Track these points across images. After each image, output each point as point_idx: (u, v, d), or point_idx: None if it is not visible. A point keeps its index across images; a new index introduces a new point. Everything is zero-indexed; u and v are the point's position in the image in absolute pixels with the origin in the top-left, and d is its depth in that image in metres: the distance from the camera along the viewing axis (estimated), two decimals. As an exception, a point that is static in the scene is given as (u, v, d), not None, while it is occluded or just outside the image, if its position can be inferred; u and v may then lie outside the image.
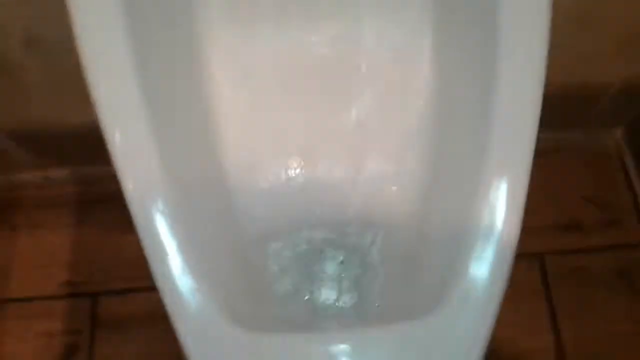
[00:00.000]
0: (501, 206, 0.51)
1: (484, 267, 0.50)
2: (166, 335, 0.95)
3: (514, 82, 0.53)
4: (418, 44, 0.64)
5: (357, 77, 0.66)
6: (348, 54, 0.65)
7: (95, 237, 1.06)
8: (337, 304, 0.63)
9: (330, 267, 0.64)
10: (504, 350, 0.94)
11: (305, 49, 0.65)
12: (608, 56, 0.83)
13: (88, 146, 0.99)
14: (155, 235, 0.49)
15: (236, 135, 0.64)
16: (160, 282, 0.48)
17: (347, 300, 0.63)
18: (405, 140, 0.65)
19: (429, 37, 0.64)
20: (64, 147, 1.02)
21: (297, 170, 0.66)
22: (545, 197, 1.03)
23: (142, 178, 0.48)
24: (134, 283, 1.01)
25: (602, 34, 0.78)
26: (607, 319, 0.96)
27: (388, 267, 0.63)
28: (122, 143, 0.49)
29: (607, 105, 0.96)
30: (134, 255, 1.00)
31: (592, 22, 0.76)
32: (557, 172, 1.05)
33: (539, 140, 0.52)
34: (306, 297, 0.63)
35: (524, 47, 0.52)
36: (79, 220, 1.07)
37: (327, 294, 0.63)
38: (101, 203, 1.08)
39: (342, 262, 0.64)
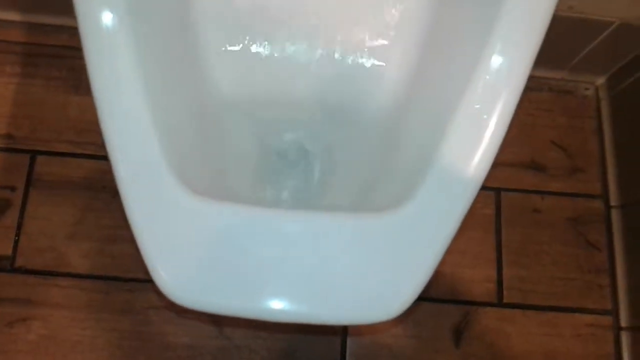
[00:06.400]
0: (488, 115, 0.47)
1: (457, 172, 0.47)
2: (100, 205, 0.94)
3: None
4: None
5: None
6: None
7: (41, 93, 0.99)
8: (295, 194, 0.60)
9: (294, 154, 0.60)
10: (446, 275, 0.94)
11: None
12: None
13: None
14: (106, 59, 0.42)
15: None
16: (106, 121, 0.42)
17: (305, 191, 0.59)
18: (398, 29, 0.59)
19: None
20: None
21: (275, 43, 0.60)
22: (516, 133, 1.01)
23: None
24: (76, 148, 0.97)
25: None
26: (551, 263, 0.96)
27: (355, 162, 0.59)
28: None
29: (597, 48, 0.93)
30: (78, 119, 0.97)
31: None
32: (532, 110, 1.02)
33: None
34: (265, 181, 0.59)
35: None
36: (25, 73, 1.00)
37: (286, 182, 0.59)
38: (51, 58, 1.01)
39: (306, 151, 0.60)
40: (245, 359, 0.89)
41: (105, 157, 0.94)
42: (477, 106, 0.47)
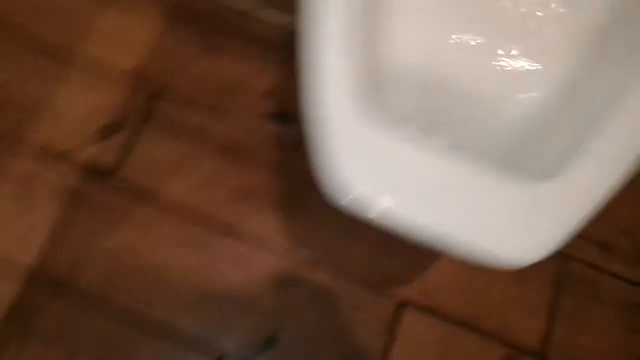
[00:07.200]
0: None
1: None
2: (205, 155, 0.98)
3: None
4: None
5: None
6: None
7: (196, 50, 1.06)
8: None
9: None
10: (499, 314, 0.97)
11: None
12: None
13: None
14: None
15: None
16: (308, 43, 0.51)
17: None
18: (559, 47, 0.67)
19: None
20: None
21: (457, 33, 0.68)
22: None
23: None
24: (204, 102, 1.03)
25: None
26: (598, 338, 0.98)
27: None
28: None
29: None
30: (221, 82, 1.03)
31: None
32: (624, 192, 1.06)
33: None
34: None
35: None
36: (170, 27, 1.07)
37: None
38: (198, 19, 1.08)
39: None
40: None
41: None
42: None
